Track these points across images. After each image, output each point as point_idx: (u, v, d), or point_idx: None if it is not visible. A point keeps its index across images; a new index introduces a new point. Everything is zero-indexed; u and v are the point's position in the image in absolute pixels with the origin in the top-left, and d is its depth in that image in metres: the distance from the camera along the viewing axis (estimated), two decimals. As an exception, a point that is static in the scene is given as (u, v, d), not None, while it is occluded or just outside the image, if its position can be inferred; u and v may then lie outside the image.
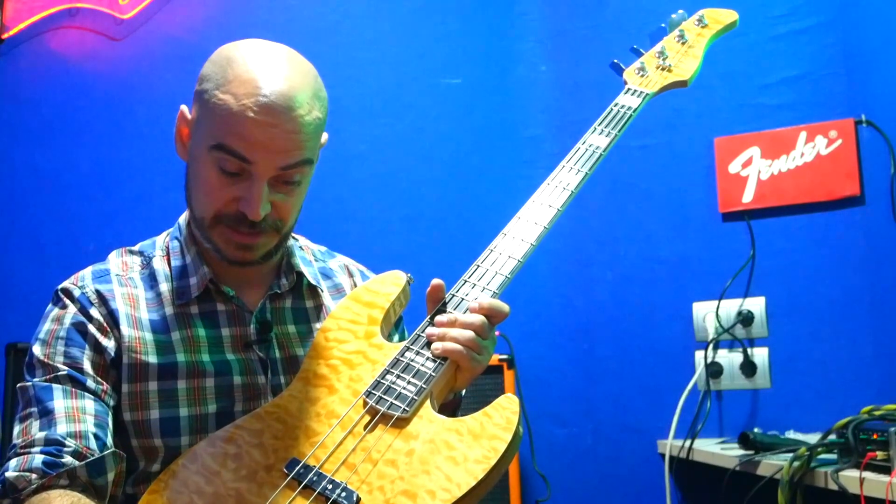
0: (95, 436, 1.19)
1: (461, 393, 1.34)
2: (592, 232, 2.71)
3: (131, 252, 1.40)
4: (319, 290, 1.44)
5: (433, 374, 1.20)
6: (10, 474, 1.14)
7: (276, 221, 1.29)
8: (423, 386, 1.18)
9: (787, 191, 2.51)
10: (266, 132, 1.21)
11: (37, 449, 1.17)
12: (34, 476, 1.14)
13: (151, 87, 2.99)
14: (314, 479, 1.11)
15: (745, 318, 2.50)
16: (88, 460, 1.17)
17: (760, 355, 2.48)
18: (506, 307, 1.26)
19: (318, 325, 1.39)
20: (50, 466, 1.15)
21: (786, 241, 2.51)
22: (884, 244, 2.34)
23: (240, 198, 1.25)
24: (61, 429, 1.18)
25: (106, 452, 1.19)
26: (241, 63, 1.24)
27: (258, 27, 2.87)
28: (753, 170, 2.54)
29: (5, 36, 3.09)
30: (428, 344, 1.23)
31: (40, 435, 1.18)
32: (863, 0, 2.46)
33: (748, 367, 2.48)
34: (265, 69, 1.23)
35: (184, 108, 1.33)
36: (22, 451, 1.17)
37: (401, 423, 1.16)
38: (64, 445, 1.17)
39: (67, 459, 1.16)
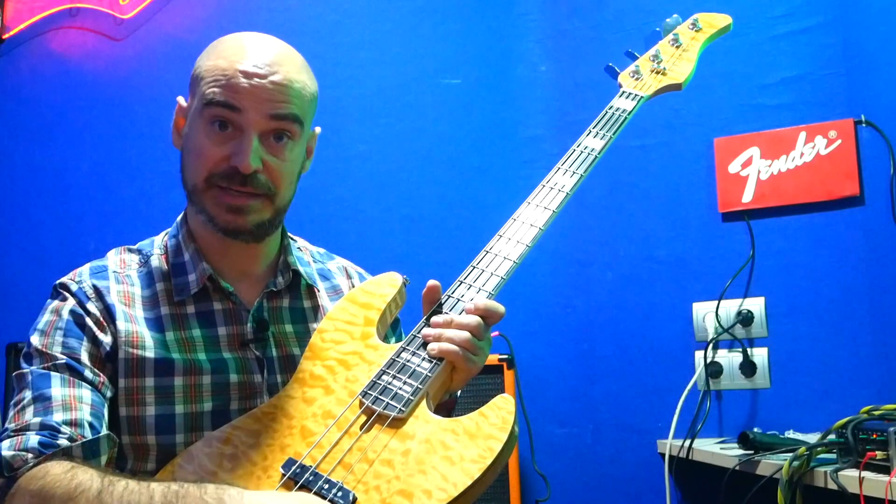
0: (91, 425, 1.19)
1: (457, 394, 1.35)
2: (592, 232, 2.71)
3: (130, 250, 1.41)
4: (317, 291, 1.45)
5: (429, 374, 1.20)
6: (5, 453, 1.13)
7: (267, 183, 1.32)
8: (419, 386, 1.19)
9: (787, 191, 2.50)
10: (254, 82, 1.28)
11: (32, 431, 1.16)
12: (30, 455, 1.13)
13: (151, 87, 2.99)
14: (310, 478, 1.11)
15: (745, 318, 2.49)
16: (84, 440, 1.17)
17: (760, 355, 2.48)
18: (501, 308, 1.26)
19: (314, 325, 1.39)
20: (45, 446, 1.14)
21: (785, 241, 2.51)
22: (884, 244, 2.33)
23: (231, 154, 1.29)
24: (57, 417, 1.18)
25: (101, 434, 1.19)
26: (231, 38, 1.35)
27: (258, 27, 2.85)
28: (753, 170, 2.54)
29: (6, 36, 3.10)
30: (424, 345, 1.24)
31: (35, 420, 1.17)
32: (863, 0, 2.45)
33: (748, 367, 2.47)
34: (255, 41, 1.34)
35: (180, 98, 1.39)
36: (15, 433, 1.17)
37: (397, 423, 1.16)
38: (59, 432, 1.16)
39: (63, 442, 1.15)
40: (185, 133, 1.35)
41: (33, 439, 1.15)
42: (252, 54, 1.30)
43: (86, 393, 1.22)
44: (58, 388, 1.21)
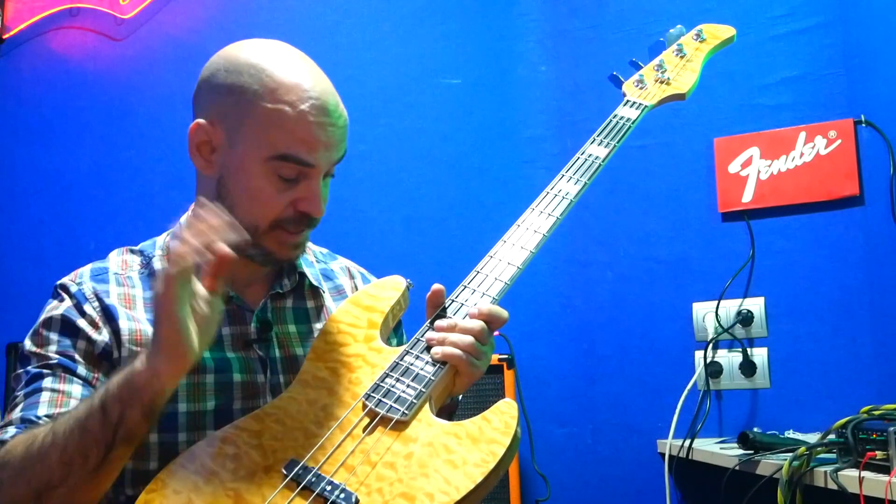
0: None
1: (458, 397, 1.35)
2: (592, 232, 2.71)
3: (132, 251, 1.41)
4: (321, 291, 1.45)
5: (432, 377, 1.21)
6: None
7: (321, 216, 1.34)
8: (423, 390, 1.19)
9: (787, 191, 2.51)
10: (326, 132, 1.27)
11: (12, 426, 1.19)
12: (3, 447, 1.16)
13: (151, 87, 2.99)
14: (313, 479, 1.11)
15: (745, 318, 2.50)
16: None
17: (760, 355, 2.49)
18: (505, 313, 1.27)
19: (318, 326, 1.40)
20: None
21: (785, 241, 2.51)
22: (883, 244, 2.34)
23: (298, 199, 1.29)
24: (41, 411, 1.19)
25: None
26: (275, 68, 1.27)
27: (258, 27, 2.87)
28: (753, 170, 2.54)
29: (6, 36, 3.10)
30: (427, 348, 1.25)
31: (18, 415, 1.20)
32: (863, 0, 2.46)
33: (748, 367, 2.48)
34: (300, 71, 1.29)
35: (202, 121, 1.30)
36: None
37: (400, 426, 1.16)
38: (37, 425, 1.17)
39: None
40: (231, 165, 1.29)
41: (10, 432, 1.17)
42: (313, 94, 1.26)
43: (76, 388, 1.23)
44: (48, 386, 1.22)
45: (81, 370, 1.25)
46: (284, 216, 1.29)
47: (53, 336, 1.27)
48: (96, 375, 1.25)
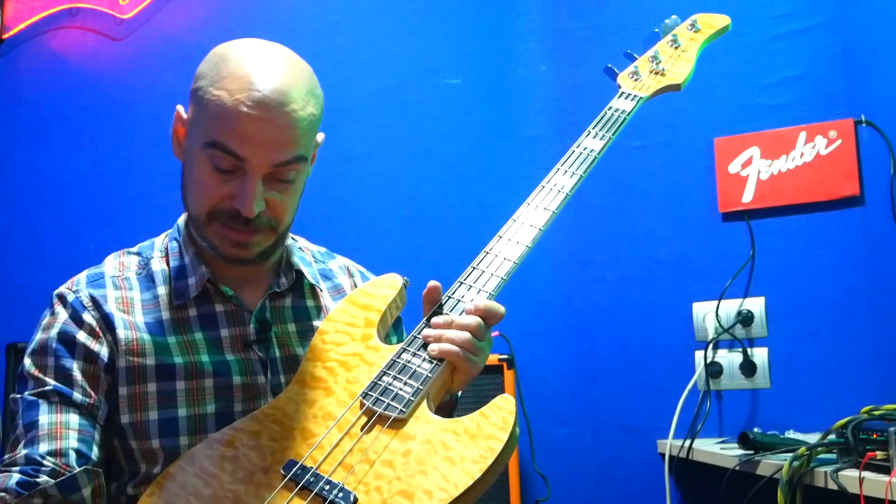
0: (78, 451, 1.20)
1: (457, 394, 1.35)
2: (592, 232, 2.71)
3: (129, 253, 1.40)
4: (319, 290, 1.44)
5: (430, 375, 1.20)
6: None
7: (270, 220, 1.29)
8: (420, 387, 1.19)
9: (787, 191, 2.51)
10: (259, 127, 1.20)
11: (16, 468, 1.18)
12: (9, 497, 1.15)
13: (151, 87, 2.99)
14: (311, 479, 1.11)
15: (745, 318, 2.50)
16: (59, 479, 1.17)
17: (760, 355, 2.49)
18: (501, 308, 1.26)
19: (317, 324, 1.39)
20: (24, 486, 1.15)
21: (785, 241, 2.51)
22: (883, 244, 2.34)
23: (234, 195, 1.25)
24: (42, 447, 1.19)
25: (77, 471, 1.19)
26: (236, 60, 1.24)
27: (258, 27, 2.87)
28: (753, 170, 2.54)
29: (6, 36, 3.10)
30: (424, 345, 1.24)
31: (22, 453, 1.19)
32: (863, 0, 2.45)
33: (748, 367, 2.48)
34: (260, 66, 1.23)
35: (180, 108, 1.33)
36: (3, 469, 1.19)
37: (397, 423, 1.16)
38: (41, 465, 1.17)
39: (42, 479, 1.16)
40: (186, 152, 1.30)
41: (14, 479, 1.16)
42: (258, 87, 1.20)
43: (73, 418, 1.22)
44: (45, 416, 1.22)
45: (78, 395, 1.24)
46: (220, 208, 1.27)
47: (50, 359, 1.26)
48: (92, 400, 1.25)
